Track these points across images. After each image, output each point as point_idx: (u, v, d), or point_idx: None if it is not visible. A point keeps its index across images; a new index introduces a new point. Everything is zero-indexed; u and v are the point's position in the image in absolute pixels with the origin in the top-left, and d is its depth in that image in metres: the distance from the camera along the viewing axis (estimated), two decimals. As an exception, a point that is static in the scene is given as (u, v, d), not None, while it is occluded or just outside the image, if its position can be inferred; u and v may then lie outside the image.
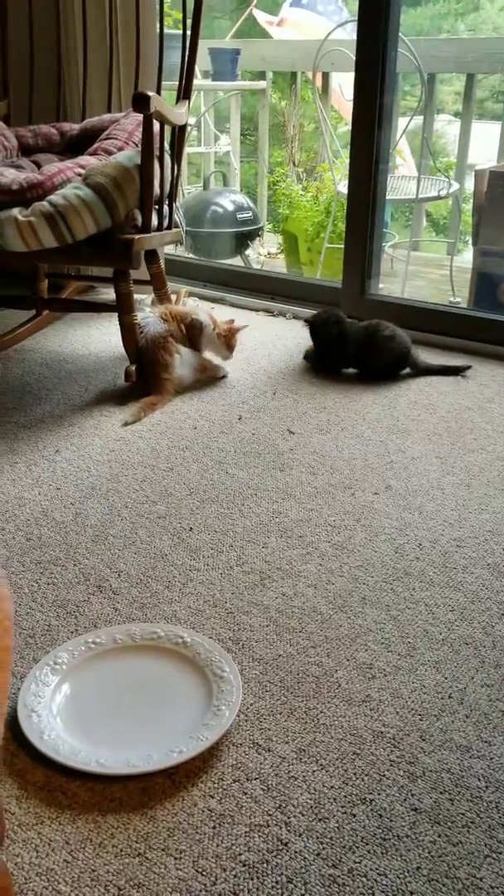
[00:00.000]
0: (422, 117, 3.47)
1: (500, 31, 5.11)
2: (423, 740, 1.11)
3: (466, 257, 3.87)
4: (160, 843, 0.97)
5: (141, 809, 1.01)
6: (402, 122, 3.55)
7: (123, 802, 1.02)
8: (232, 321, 2.37)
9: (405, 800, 1.02)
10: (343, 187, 3.02)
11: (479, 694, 1.19)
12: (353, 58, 2.55)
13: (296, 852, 0.96)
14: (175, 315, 2.26)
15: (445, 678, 1.22)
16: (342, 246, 2.80)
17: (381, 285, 2.90)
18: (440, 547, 1.56)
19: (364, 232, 2.70)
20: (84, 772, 1.05)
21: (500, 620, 1.35)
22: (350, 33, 3.52)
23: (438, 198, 3.50)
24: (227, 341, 2.33)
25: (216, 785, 1.05)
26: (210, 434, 2.01)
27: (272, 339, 2.69)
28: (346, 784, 1.05)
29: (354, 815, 1.00)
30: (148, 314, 2.26)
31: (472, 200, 3.36)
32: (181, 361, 2.22)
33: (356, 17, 2.52)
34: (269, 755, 1.09)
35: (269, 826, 0.99)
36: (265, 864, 0.94)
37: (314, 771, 1.06)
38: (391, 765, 1.07)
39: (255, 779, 1.05)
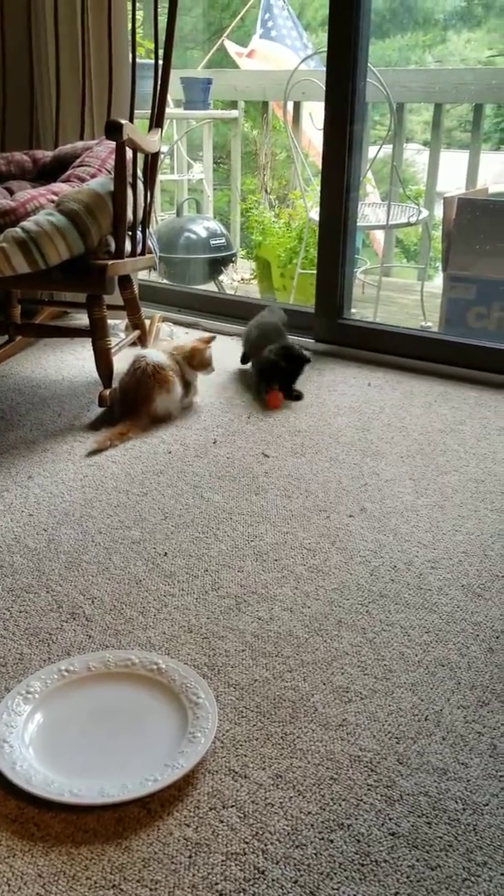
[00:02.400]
0: (391, 146, 3.53)
1: (466, 63, 5.24)
2: (401, 763, 1.10)
3: (437, 283, 3.93)
4: (135, 875, 0.95)
5: (115, 840, 1.00)
6: (372, 151, 3.61)
7: (97, 833, 1.01)
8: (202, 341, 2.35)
9: (383, 824, 1.02)
10: (315, 214, 3.06)
11: (455, 716, 1.19)
12: (324, 88, 2.59)
13: (273, 880, 0.94)
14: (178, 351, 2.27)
15: (422, 700, 1.22)
16: (314, 271, 2.83)
17: (353, 310, 2.93)
18: (415, 569, 1.56)
19: (336, 257, 2.73)
20: (57, 802, 1.04)
21: (474, 642, 1.35)
22: (317, 66, 3.59)
23: (408, 224, 3.56)
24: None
25: (192, 813, 1.03)
26: (184, 458, 2.01)
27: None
28: (324, 810, 1.04)
29: (332, 842, 0.99)
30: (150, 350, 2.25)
31: (441, 227, 3.42)
32: (169, 399, 2.20)
33: (321, 50, 2.57)
34: (246, 782, 1.08)
35: (245, 854, 0.98)
36: (242, 894, 0.93)
37: (291, 797, 1.05)
38: (368, 789, 1.07)
39: (232, 806, 1.04)
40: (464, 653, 1.32)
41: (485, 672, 1.28)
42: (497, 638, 1.36)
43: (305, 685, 1.24)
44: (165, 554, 1.60)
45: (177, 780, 1.06)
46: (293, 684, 1.25)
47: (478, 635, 1.37)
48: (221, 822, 1.02)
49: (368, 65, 2.64)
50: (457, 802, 1.05)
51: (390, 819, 1.02)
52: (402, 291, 4.18)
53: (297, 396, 2.39)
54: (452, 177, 4.05)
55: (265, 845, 0.99)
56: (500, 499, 1.82)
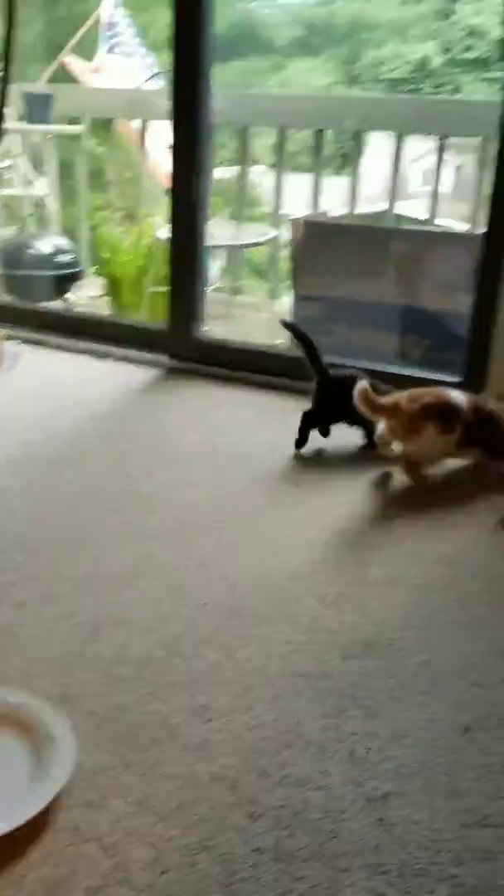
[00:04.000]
0: (238, 167, 3.61)
1: (307, 89, 5.43)
2: (262, 778, 1.11)
3: (286, 301, 4.02)
4: (-11, 925, 0.90)
5: (-34, 890, 0.94)
6: (219, 172, 3.67)
7: None
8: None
9: (246, 841, 1.01)
10: (164, 232, 3.06)
11: (314, 726, 1.20)
12: (169, 108, 2.61)
13: (137, 913, 0.92)
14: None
15: (282, 713, 1.23)
16: (166, 289, 2.83)
17: (206, 327, 2.95)
18: (273, 581, 1.58)
19: (186, 275, 2.74)
20: None
21: (331, 650, 1.38)
22: (162, 85, 3.61)
23: (256, 244, 3.63)
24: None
25: (49, 852, 0.99)
26: (35, 482, 1.94)
27: (97, 382, 2.65)
28: (187, 833, 1.02)
29: (196, 864, 0.98)
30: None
31: (289, 248, 3.51)
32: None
33: (166, 70, 2.59)
34: (106, 813, 1.04)
35: (108, 886, 0.94)
36: (104, 931, 0.90)
37: (153, 823, 1.03)
38: (231, 807, 1.06)
39: (91, 840, 1.00)
40: (321, 662, 1.35)
41: (341, 680, 1.31)
42: (352, 645, 1.39)
43: (166, 708, 1.22)
44: (12, 583, 1.53)
45: (32, 819, 1.01)
46: (153, 708, 1.22)
47: (333, 643, 1.40)
48: (81, 857, 0.98)
49: (212, 87, 2.67)
50: (318, 812, 1.06)
51: (254, 835, 1.02)
52: (253, 309, 4.25)
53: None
54: (297, 199, 4.18)
55: (127, 876, 0.96)
56: (351, 509, 1.88)
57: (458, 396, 1.98)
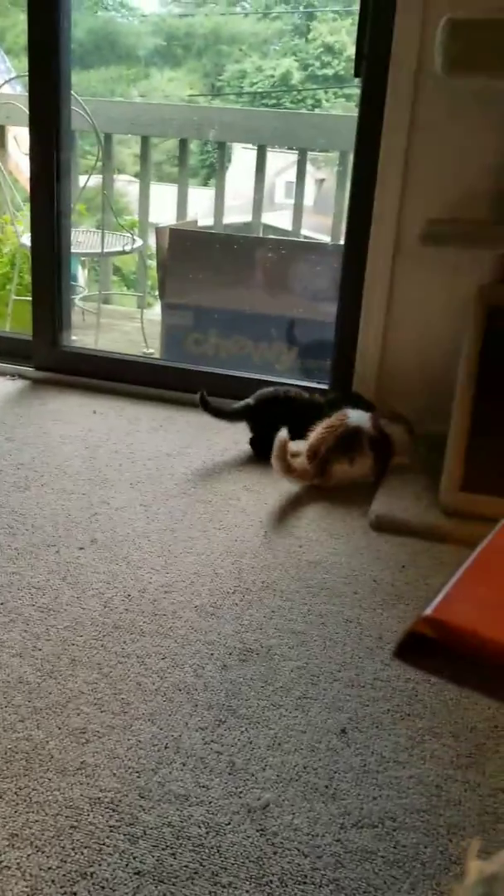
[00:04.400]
0: (101, 175, 3.55)
1: (170, 99, 5.43)
2: (142, 798, 1.08)
3: (157, 310, 4.00)
4: None
5: None
6: (84, 180, 3.60)
7: None
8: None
9: (127, 865, 0.99)
10: (27, 240, 2.97)
11: (194, 739, 1.19)
12: (27, 113, 2.54)
13: None
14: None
15: (161, 729, 1.21)
16: (31, 298, 2.75)
17: (74, 337, 2.88)
18: (148, 595, 1.55)
19: (51, 284, 2.67)
20: None
21: (209, 661, 1.37)
22: (21, 90, 3.51)
23: (123, 253, 3.59)
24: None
25: None
26: None
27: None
28: (65, 862, 0.98)
29: (75, 894, 0.94)
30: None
31: (156, 256, 3.50)
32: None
33: (23, 75, 2.52)
34: (-23, 850, 0.99)
35: (-20, 931, 0.90)
36: None
37: (29, 855, 0.99)
38: (111, 831, 1.03)
39: (-38, 881, 0.95)
40: (199, 674, 1.34)
41: (220, 690, 1.30)
42: (230, 654, 1.39)
43: (39, 733, 1.18)
44: None
45: None
46: (26, 734, 1.17)
47: (212, 654, 1.39)
48: (-49, 901, 0.93)
49: (72, 93, 2.63)
50: (199, 827, 1.05)
51: (134, 858, 1.00)
52: (123, 318, 4.20)
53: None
54: (165, 209, 4.17)
55: (2, 916, 0.91)
56: (227, 517, 1.88)
57: (359, 418, 2.07)
